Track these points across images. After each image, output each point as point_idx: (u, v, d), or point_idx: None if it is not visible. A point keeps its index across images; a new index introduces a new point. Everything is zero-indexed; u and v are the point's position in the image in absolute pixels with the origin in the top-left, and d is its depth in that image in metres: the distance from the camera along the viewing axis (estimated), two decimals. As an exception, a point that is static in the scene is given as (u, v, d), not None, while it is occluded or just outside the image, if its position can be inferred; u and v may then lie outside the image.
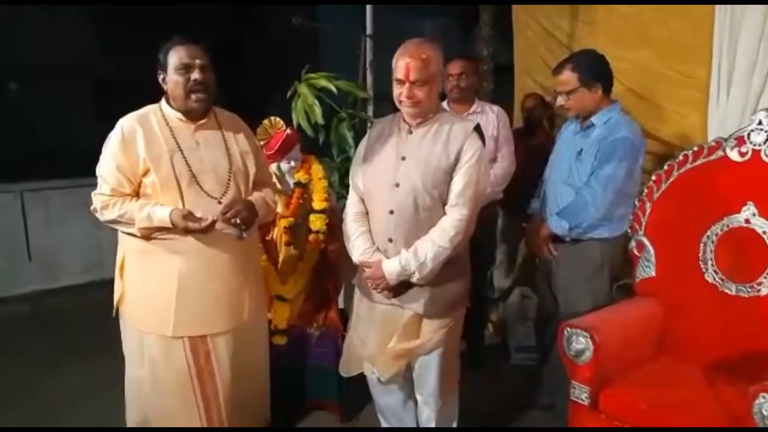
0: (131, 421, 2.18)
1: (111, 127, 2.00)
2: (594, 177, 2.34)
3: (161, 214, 1.93)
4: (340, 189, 3.04)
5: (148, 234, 1.97)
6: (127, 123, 2.00)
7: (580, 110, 2.42)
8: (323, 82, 3.01)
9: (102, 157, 1.99)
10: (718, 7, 2.63)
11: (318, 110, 3.01)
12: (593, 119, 2.41)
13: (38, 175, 4.51)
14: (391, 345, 2.04)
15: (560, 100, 2.45)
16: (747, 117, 2.55)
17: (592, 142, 2.39)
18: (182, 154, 2.01)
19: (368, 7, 3.42)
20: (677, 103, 2.87)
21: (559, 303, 2.55)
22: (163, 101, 2.06)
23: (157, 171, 1.96)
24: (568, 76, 2.38)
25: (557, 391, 2.45)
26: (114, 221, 1.97)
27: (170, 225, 1.92)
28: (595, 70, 2.38)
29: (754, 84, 2.55)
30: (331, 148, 3.21)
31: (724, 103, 2.65)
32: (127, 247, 2.05)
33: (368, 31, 3.41)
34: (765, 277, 2.11)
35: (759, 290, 2.13)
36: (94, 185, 2.01)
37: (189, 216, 1.92)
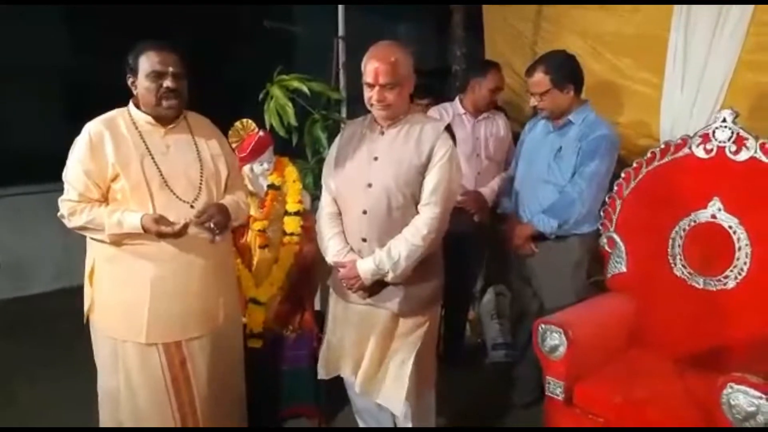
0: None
1: (80, 131, 1.96)
2: (579, 174, 2.40)
3: (132, 220, 1.89)
4: (314, 191, 3.03)
5: (119, 240, 1.93)
6: (94, 127, 1.95)
7: (553, 110, 2.48)
8: (295, 84, 3.00)
9: (69, 163, 1.94)
10: (675, 9, 2.69)
11: (291, 111, 2.99)
12: (570, 117, 2.47)
13: (5, 180, 4.40)
14: (367, 358, 2.04)
15: (533, 101, 2.50)
16: (695, 116, 2.62)
17: (571, 140, 2.45)
18: (152, 158, 1.97)
19: (340, 9, 3.42)
20: (634, 102, 2.92)
21: (542, 300, 2.59)
22: (131, 104, 2.02)
23: (126, 176, 1.92)
24: (540, 78, 2.43)
25: (539, 388, 2.47)
26: (82, 227, 1.93)
27: (141, 230, 1.89)
28: (566, 71, 2.44)
29: (703, 85, 2.62)
30: (305, 149, 3.20)
31: (677, 102, 2.71)
32: (97, 253, 2.01)
33: (340, 32, 3.40)
34: (731, 271, 2.18)
35: (726, 283, 2.19)
36: (63, 191, 1.95)
37: (161, 220, 1.89)
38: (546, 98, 2.44)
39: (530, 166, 2.61)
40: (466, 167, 2.91)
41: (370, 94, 1.95)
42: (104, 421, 2.13)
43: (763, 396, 1.58)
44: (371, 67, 1.92)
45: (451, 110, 3.02)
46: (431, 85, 3.23)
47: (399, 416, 2.10)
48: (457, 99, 3.08)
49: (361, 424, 2.35)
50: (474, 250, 3.10)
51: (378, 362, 2.07)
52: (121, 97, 2.05)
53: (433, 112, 2.99)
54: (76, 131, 1.97)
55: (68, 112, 4.84)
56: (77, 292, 2.15)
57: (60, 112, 4.89)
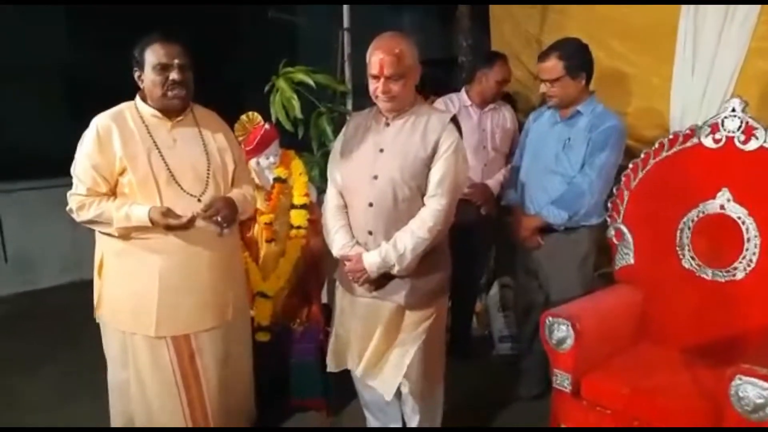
0: (115, 422, 2.16)
1: (86, 126, 1.97)
2: (588, 165, 2.40)
3: (140, 213, 1.90)
4: (321, 183, 3.03)
5: (127, 234, 1.94)
6: (102, 121, 1.96)
7: (563, 98, 2.45)
8: (301, 76, 2.99)
9: (77, 157, 1.95)
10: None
11: (296, 104, 2.99)
12: (579, 108, 2.45)
13: (13, 176, 4.43)
14: (371, 348, 2.04)
15: (543, 88, 2.47)
16: (706, 105, 2.59)
17: (580, 131, 2.43)
18: (159, 152, 1.98)
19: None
20: (642, 91, 2.89)
21: (549, 292, 2.58)
22: (138, 98, 2.03)
23: (134, 170, 1.93)
24: (554, 64, 2.40)
25: (546, 380, 2.47)
26: (91, 221, 1.95)
27: (149, 224, 1.90)
28: (580, 59, 2.42)
29: (713, 73, 2.58)
30: (310, 142, 3.19)
31: (688, 91, 2.67)
32: (106, 247, 2.03)
33: (345, 24, 3.39)
34: (740, 262, 2.15)
35: (734, 274, 2.17)
36: (70, 185, 1.97)
37: (168, 213, 1.90)
38: (557, 86, 2.42)
39: (536, 156, 2.59)
40: (472, 159, 2.90)
41: (375, 86, 1.94)
42: (115, 414, 2.15)
43: (773, 388, 1.57)
44: (376, 58, 1.90)
45: (458, 101, 3.00)
46: (437, 77, 3.21)
47: (387, 399, 2.10)
48: (463, 90, 3.06)
49: (368, 417, 2.35)
50: (480, 242, 3.10)
51: (381, 353, 2.07)
52: (125, 92, 2.05)
53: (439, 103, 2.98)
54: (81, 126, 1.98)
55: (73, 107, 4.86)
56: (85, 286, 2.16)
57: (64, 108, 4.91)
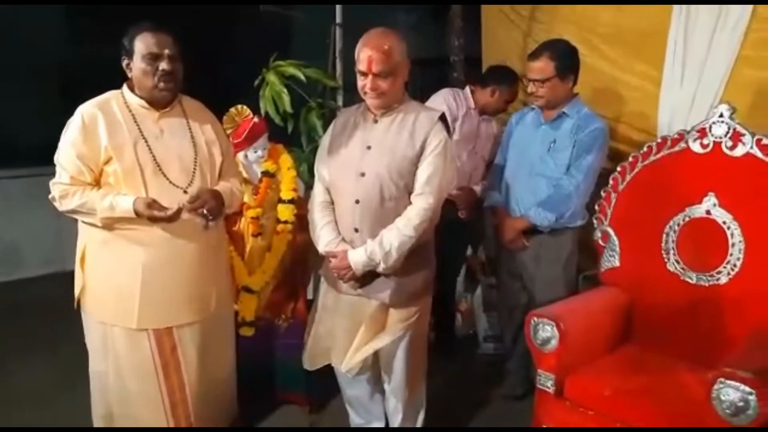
0: (96, 414, 2.14)
1: (70, 113, 1.94)
2: (575, 167, 2.39)
3: (124, 204, 1.87)
4: (309, 179, 3.01)
5: (110, 224, 1.91)
6: (87, 110, 1.93)
7: (550, 100, 2.44)
8: (291, 70, 2.97)
9: (61, 145, 1.92)
10: (674, 8, 2.67)
11: (286, 98, 2.96)
12: (565, 110, 2.45)
13: (-5, 164, 4.38)
14: (355, 343, 2.03)
15: (531, 88, 2.45)
16: (695, 111, 2.60)
17: (566, 133, 2.43)
18: (146, 142, 1.95)
19: (337, -2, 3.38)
20: (630, 95, 2.89)
21: (533, 294, 2.58)
22: (125, 87, 2.00)
23: (120, 160, 1.91)
24: (545, 64, 2.39)
25: (530, 380, 2.48)
26: (74, 211, 1.91)
27: (134, 214, 1.88)
28: (570, 60, 2.42)
29: (703, 80, 2.60)
30: (300, 137, 3.17)
31: (677, 97, 2.68)
32: (89, 237, 2.00)
33: (338, 19, 3.38)
34: (724, 267, 2.17)
35: (719, 279, 2.19)
36: (54, 174, 1.94)
37: (153, 204, 1.87)
38: (546, 86, 2.40)
39: (521, 158, 2.59)
40: (465, 162, 2.91)
41: (363, 83, 1.93)
42: (96, 404, 2.13)
43: (753, 391, 1.58)
44: (364, 55, 1.89)
45: (464, 101, 2.96)
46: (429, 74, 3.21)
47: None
48: (468, 89, 3.02)
49: (351, 414, 2.35)
50: (457, 243, 3.10)
51: (365, 354, 2.06)
52: (111, 80, 2.02)
53: (445, 93, 2.93)
54: (66, 114, 1.95)
55: (58, 96, 4.80)
56: (69, 277, 2.13)
57: (49, 96, 4.85)
